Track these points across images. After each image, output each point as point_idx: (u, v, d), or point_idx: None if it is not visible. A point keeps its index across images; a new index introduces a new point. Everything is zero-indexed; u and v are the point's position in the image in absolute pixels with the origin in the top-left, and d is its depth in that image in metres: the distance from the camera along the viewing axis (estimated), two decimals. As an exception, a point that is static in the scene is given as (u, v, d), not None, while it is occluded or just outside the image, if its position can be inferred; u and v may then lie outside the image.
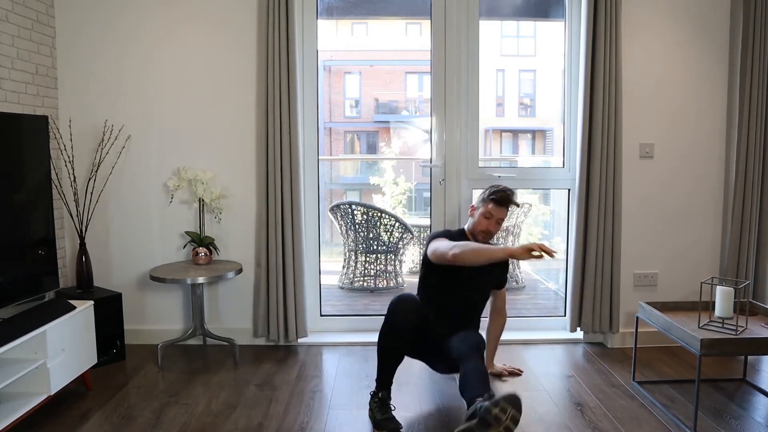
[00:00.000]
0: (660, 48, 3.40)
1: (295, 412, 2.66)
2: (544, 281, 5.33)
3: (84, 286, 3.23)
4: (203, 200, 3.33)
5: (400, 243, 4.93)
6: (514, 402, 2.13)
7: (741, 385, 2.99)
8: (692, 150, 3.48)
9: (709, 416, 2.61)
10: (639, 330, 3.04)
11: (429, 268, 2.78)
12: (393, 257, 4.94)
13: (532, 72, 5.65)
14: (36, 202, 2.80)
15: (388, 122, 6.28)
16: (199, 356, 3.37)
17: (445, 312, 2.75)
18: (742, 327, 2.58)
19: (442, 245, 2.61)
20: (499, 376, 3.06)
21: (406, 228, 4.89)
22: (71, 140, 3.33)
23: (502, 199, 2.80)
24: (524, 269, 5.30)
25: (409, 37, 5.61)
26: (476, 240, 2.81)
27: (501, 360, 3.19)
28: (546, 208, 5.34)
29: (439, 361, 2.79)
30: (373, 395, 2.59)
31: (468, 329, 2.72)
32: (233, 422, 2.56)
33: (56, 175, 3.25)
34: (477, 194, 3.06)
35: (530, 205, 5.11)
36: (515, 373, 3.08)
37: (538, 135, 5.81)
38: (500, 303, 3.04)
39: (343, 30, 5.58)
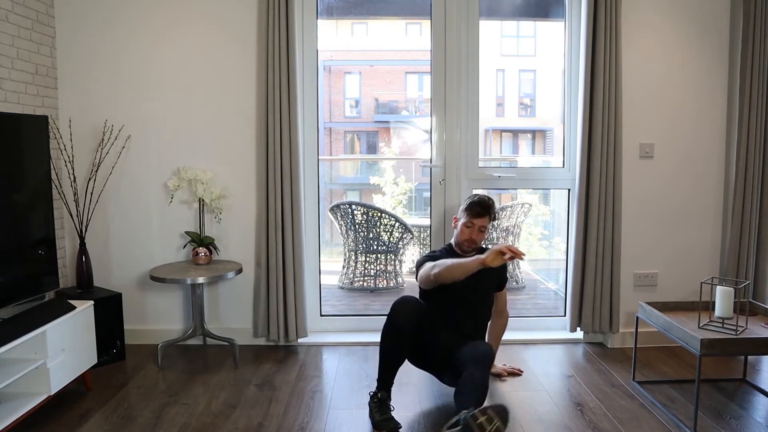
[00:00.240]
0: (660, 48, 3.40)
1: (295, 412, 2.66)
2: (544, 281, 5.33)
3: (84, 286, 3.23)
4: (203, 200, 3.33)
5: (400, 243, 4.93)
6: (501, 414, 2.12)
7: (741, 385, 2.99)
8: (692, 150, 3.48)
9: (709, 416, 2.61)
10: (639, 330, 3.04)
11: (423, 290, 2.81)
12: (393, 257, 4.95)
13: (532, 72, 5.64)
14: (36, 202, 2.80)
15: (388, 122, 6.28)
16: (199, 356, 3.37)
17: (450, 317, 2.75)
18: (742, 327, 2.58)
19: (424, 270, 2.68)
20: (498, 376, 3.06)
21: (406, 228, 4.89)
22: (71, 140, 3.33)
23: (479, 205, 2.83)
24: (524, 269, 5.30)
25: (409, 37, 5.61)
26: (462, 250, 2.84)
27: (501, 360, 3.19)
28: (546, 208, 5.34)
29: (447, 372, 2.73)
30: (373, 395, 2.59)
31: (475, 338, 2.75)
32: (233, 422, 2.56)
33: (56, 175, 3.25)
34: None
35: (530, 205, 5.11)
36: (515, 373, 3.08)
37: (538, 135, 5.80)
38: (501, 304, 3.04)
39: (343, 30, 5.57)
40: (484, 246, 2.98)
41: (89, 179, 3.32)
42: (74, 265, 3.33)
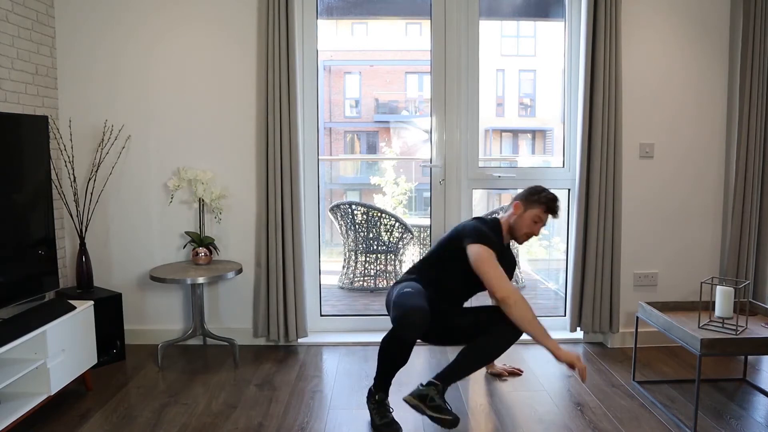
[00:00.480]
0: (660, 48, 3.40)
1: (295, 412, 2.66)
2: (544, 281, 5.33)
3: (84, 286, 3.23)
4: (203, 200, 3.33)
5: (400, 243, 4.93)
6: (445, 421, 2.38)
7: (741, 385, 2.99)
8: (692, 150, 3.48)
9: (709, 416, 2.61)
10: (639, 330, 3.04)
11: (451, 261, 2.67)
12: (393, 257, 4.95)
13: (532, 72, 5.64)
14: (36, 202, 2.80)
15: (388, 122, 6.28)
16: (199, 356, 3.37)
17: (445, 292, 2.73)
18: (742, 327, 2.58)
19: (495, 274, 2.49)
20: (499, 376, 3.06)
21: (406, 228, 4.89)
22: (71, 140, 3.33)
23: (558, 206, 2.76)
24: (524, 269, 5.30)
25: (409, 37, 5.61)
26: (513, 237, 2.77)
27: (501, 360, 3.19)
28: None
29: (451, 341, 2.77)
30: (370, 396, 2.57)
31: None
32: (233, 422, 2.56)
33: (56, 175, 3.25)
34: (477, 194, 3.04)
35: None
36: (515, 373, 3.08)
37: (538, 135, 5.80)
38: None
39: (343, 30, 5.57)
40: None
41: (89, 179, 3.32)
42: (74, 265, 3.33)
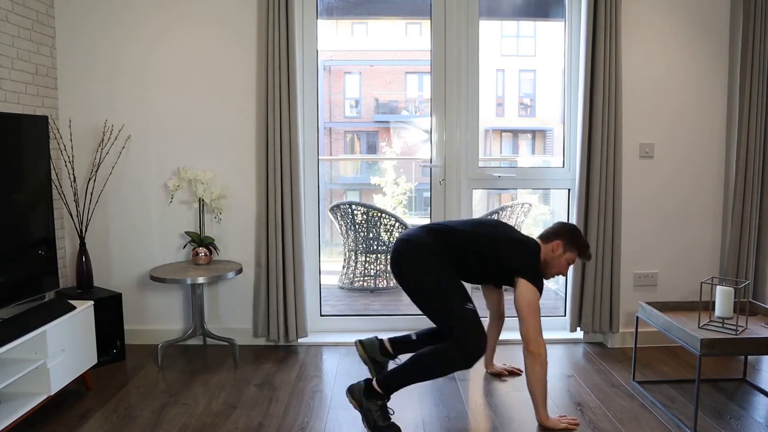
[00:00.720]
0: (660, 48, 3.40)
1: (295, 412, 2.66)
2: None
3: (84, 286, 3.23)
4: (203, 200, 3.33)
5: (400, 243, 4.92)
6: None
7: (741, 385, 2.99)
8: (692, 150, 3.48)
9: (709, 416, 2.61)
10: (639, 330, 3.04)
11: (495, 269, 2.64)
12: (393, 257, 4.94)
13: (532, 72, 5.64)
14: (36, 202, 2.80)
15: (388, 122, 6.28)
16: (199, 356, 3.37)
17: (466, 277, 2.71)
18: (742, 327, 2.58)
19: (536, 325, 2.50)
20: (498, 375, 3.06)
21: (406, 228, 4.89)
22: (71, 140, 3.33)
23: (589, 257, 2.79)
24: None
25: (409, 37, 5.61)
26: (543, 273, 2.68)
27: (501, 360, 3.19)
28: (546, 208, 5.34)
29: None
30: (374, 396, 2.50)
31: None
32: (233, 422, 2.56)
33: (56, 175, 3.25)
34: (477, 194, 3.04)
35: (530, 205, 5.11)
36: (515, 373, 3.08)
37: (538, 135, 5.80)
38: (500, 307, 3.06)
39: (343, 30, 5.57)
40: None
41: (89, 179, 3.32)
42: (74, 265, 3.33)
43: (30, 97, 3.12)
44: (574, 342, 3.57)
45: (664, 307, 2.91)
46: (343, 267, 5.07)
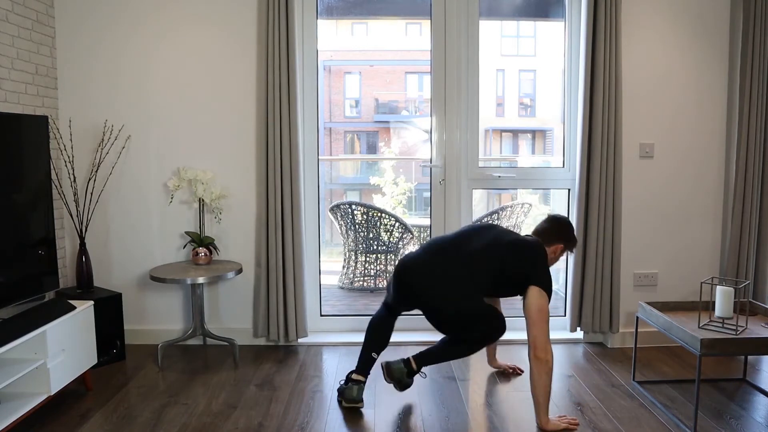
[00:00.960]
0: (660, 48, 3.40)
1: (295, 412, 2.66)
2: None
3: (84, 286, 3.23)
4: (203, 200, 3.33)
5: (400, 243, 4.93)
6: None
7: (741, 385, 2.99)
8: (692, 150, 3.48)
9: (709, 416, 2.61)
10: (639, 330, 3.04)
11: (505, 282, 2.62)
12: (393, 257, 4.94)
13: (532, 72, 5.64)
14: (36, 202, 2.80)
15: (388, 122, 6.28)
16: (199, 356, 3.37)
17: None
18: (742, 327, 2.58)
19: (545, 332, 2.49)
20: (502, 372, 3.08)
21: (406, 228, 4.89)
22: (71, 140, 3.33)
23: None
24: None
25: (409, 37, 5.61)
26: None
27: (501, 360, 3.19)
28: (546, 208, 5.34)
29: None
30: (399, 372, 2.68)
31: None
32: (233, 422, 2.56)
33: (56, 175, 3.25)
34: (477, 194, 3.03)
35: (530, 205, 5.11)
36: (516, 372, 3.09)
37: (538, 135, 5.80)
38: (499, 305, 3.06)
39: (343, 30, 5.57)
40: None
41: (89, 179, 3.32)
42: (74, 265, 3.33)
43: (30, 97, 3.12)
44: (574, 342, 3.57)
45: (664, 307, 2.91)
46: (343, 267, 5.07)
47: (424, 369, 2.73)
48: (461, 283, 2.56)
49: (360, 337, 3.56)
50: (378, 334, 2.76)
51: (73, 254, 3.44)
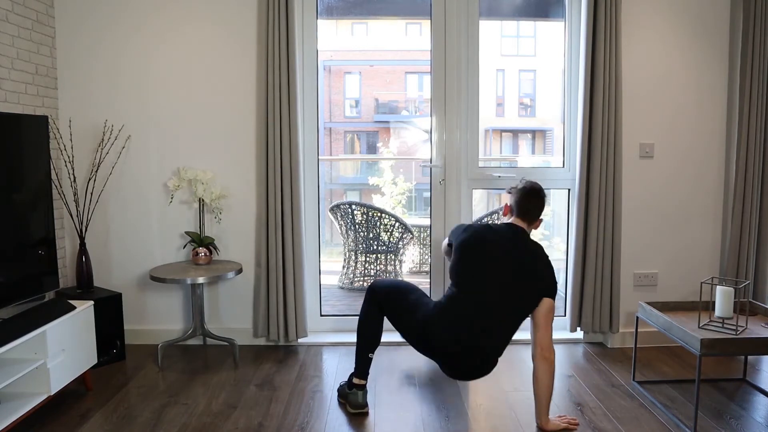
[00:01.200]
0: (660, 48, 3.40)
1: (295, 412, 2.66)
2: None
3: (84, 286, 3.23)
4: (203, 200, 3.33)
5: (400, 243, 4.93)
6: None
7: (741, 385, 2.99)
8: (692, 150, 3.48)
9: (709, 416, 2.61)
10: (639, 330, 3.04)
11: (523, 309, 2.60)
12: (393, 257, 4.94)
13: (532, 72, 5.65)
14: (36, 202, 2.80)
15: (388, 122, 6.29)
16: (199, 356, 3.37)
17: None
18: (742, 327, 2.58)
19: (550, 334, 2.54)
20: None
21: (406, 228, 4.89)
22: (71, 140, 3.33)
23: None
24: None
25: (409, 37, 5.61)
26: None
27: (501, 360, 3.17)
28: (546, 208, 5.34)
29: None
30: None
31: None
32: (233, 422, 2.56)
33: (56, 175, 3.25)
34: (477, 194, 3.03)
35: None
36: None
37: (538, 135, 5.81)
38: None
39: (343, 30, 5.57)
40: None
41: (89, 179, 3.32)
42: (74, 265, 3.33)
43: (30, 97, 3.12)
44: (574, 342, 3.57)
45: (664, 307, 2.91)
46: (343, 267, 5.07)
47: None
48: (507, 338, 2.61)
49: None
50: (370, 334, 2.74)
51: (73, 254, 3.44)
